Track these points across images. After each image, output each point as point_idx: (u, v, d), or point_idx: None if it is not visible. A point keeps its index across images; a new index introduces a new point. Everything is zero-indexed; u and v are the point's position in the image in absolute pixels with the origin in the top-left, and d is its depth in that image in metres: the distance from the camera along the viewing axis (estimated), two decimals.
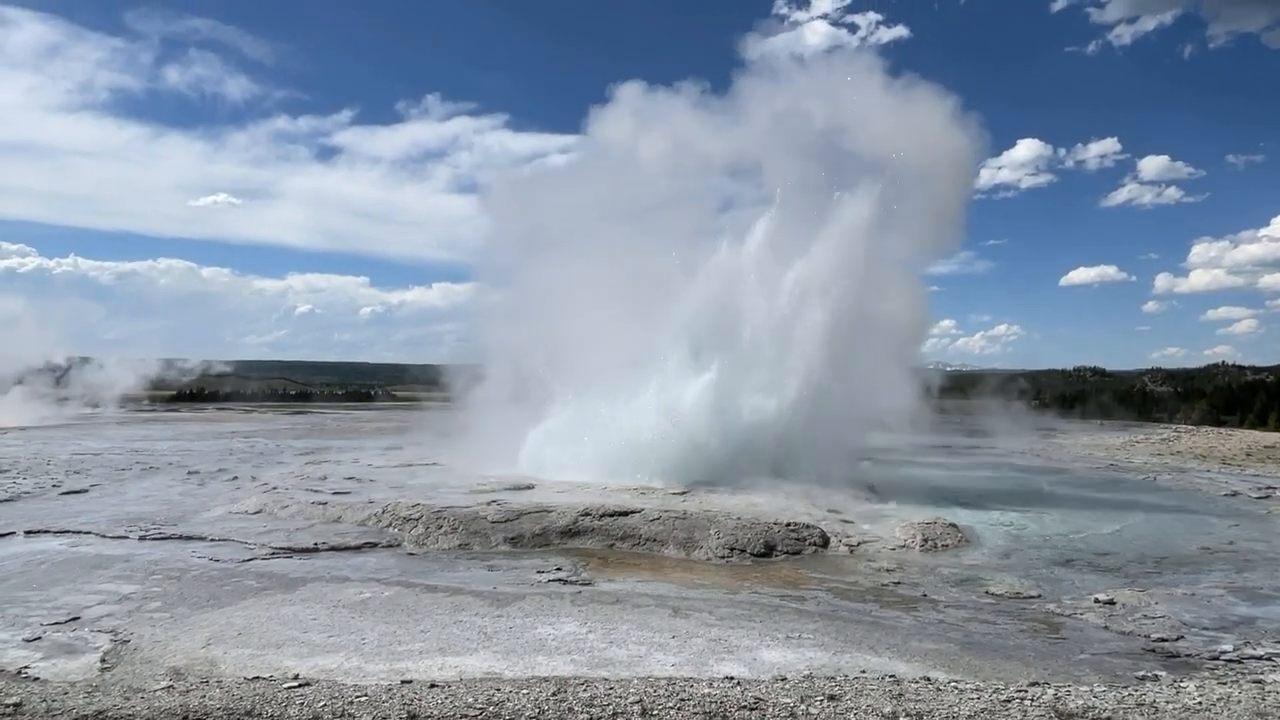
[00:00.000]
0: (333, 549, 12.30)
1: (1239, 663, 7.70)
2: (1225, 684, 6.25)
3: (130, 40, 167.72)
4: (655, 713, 5.34)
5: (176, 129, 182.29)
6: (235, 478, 20.40)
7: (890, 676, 6.56)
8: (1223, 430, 43.56)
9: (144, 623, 8.53)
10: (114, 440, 31.82)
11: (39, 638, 8.03)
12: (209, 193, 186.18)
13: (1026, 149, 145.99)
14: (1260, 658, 7.84)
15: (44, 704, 5.60)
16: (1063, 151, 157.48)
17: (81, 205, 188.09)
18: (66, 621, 8.54)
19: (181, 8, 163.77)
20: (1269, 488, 20.49)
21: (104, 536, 12.95)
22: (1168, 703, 5.59)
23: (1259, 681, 6.33)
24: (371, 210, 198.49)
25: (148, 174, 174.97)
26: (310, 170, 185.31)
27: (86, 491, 17.80)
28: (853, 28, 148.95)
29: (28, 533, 13.13)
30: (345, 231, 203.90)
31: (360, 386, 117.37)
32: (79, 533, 13.19)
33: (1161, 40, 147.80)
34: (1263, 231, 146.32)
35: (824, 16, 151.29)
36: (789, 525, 13.14)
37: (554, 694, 5.67)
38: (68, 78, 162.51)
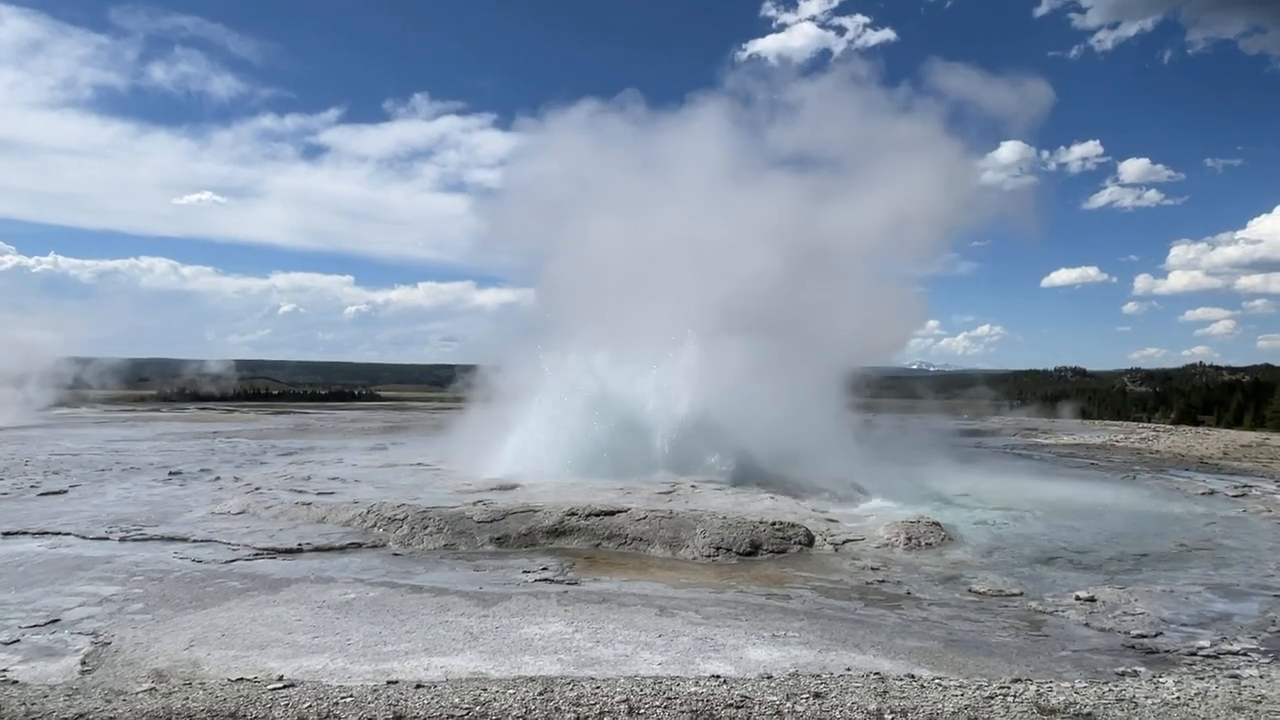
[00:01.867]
0: (317, 550, 12.21)
1: (1216, 658, 7.84)
2: (1203, 679, 6.34)
3: (115, 37, 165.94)
4: (642, 712, 5.35)
5: (161, 127, 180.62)
6: (218, 478, 20.20)
7: (875, 674, 6.61)
8: (1200, 430, 44.26)
9: (125, 625, 8.44)
10: (93, 440, 31.40)
11: (17, 640, 7.93)
12: (193, 191, 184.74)
13: (1010, 151, 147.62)
14: (1237, 653, 7.98)
15: (23, 707, 5.53)
16: (1045, 154, 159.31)
17: (63, 203, 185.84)
18: (46, 624, 8.44)
19: (167, 5, 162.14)
20: (1245, 486, 20.81)
21: (84, 538, 12.79)
22: (1147, 698, 5.67)
23: (1235, 677, 6.44)
24: (357, 209, 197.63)
25: (131, 172, 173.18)
26: (296, 169, 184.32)
27: (66, 492, 17.55)
28: (840, 30, 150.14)
29: (5, 534, 12.94)
30: (330, 230, 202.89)
31: (344, 386, 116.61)
32: (58, 534, 13.01)
33: (1142, 45, 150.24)
34: (1240, 234, 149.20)
35: (812, 19, 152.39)
36: (774, 524, 13.19)
37: (540, 693, 5.66)
38: (50, 74, 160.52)
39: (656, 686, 5.85)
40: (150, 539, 12.81)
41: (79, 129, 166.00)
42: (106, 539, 12.76)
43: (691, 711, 5.36)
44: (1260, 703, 5.57)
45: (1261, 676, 6.40)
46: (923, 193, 25.31)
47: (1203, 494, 19.67)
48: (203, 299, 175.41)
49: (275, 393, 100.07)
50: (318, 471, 20.74)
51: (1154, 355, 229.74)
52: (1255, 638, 8.56)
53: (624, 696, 5.58)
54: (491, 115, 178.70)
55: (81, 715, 5.39)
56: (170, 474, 20.99)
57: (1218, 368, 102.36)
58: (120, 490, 18.03)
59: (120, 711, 5.44)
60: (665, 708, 5.40)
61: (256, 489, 17.31)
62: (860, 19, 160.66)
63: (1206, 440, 34.39)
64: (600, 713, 5.34)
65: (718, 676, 6.37)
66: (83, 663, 7.33)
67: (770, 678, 6.32)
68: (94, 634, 8.11)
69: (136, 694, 5.94)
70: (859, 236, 25.84)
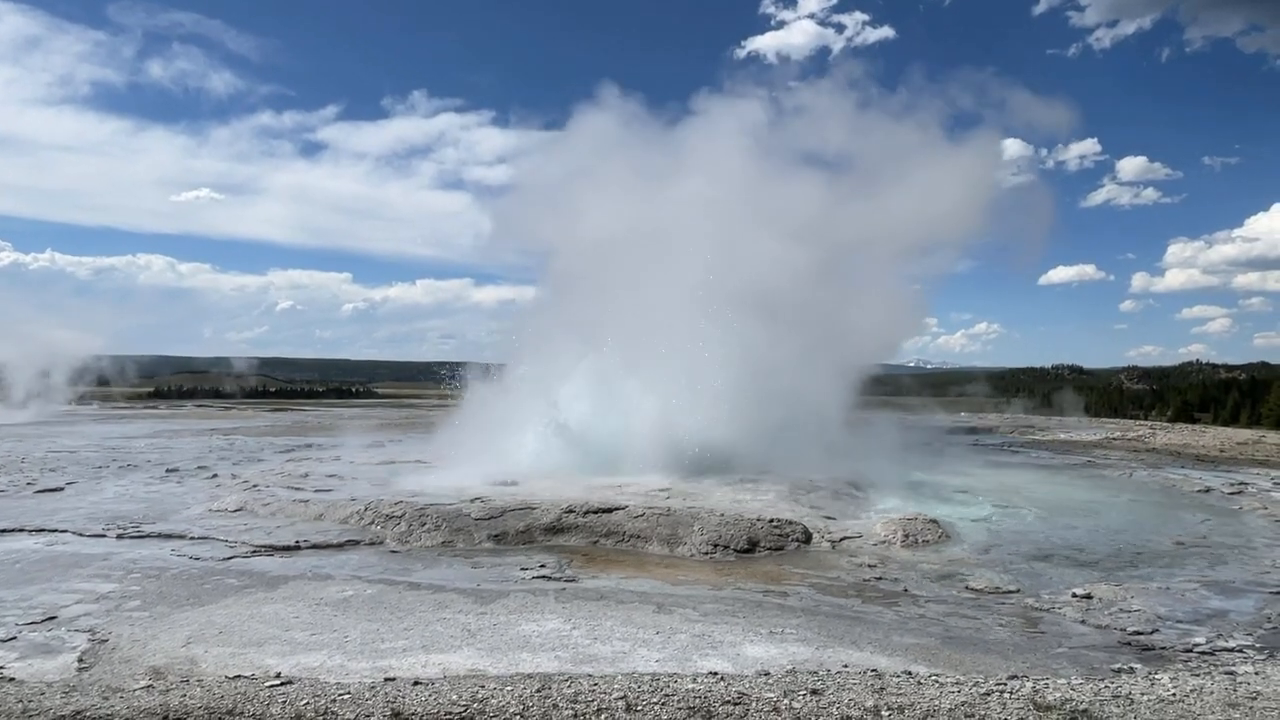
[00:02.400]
0: (315, 547, 12.21)
1: (1212, 655, 7.85)
2: (1198, 676, 6.36)
3: (112, 33, 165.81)
4: (640, 708, 5.36)
5: (158, 123, 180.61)
6: (215, 475, 20.17)
7: (872, 671, 6.62)
8: (1196, 427, 44.38)
9: (122, 622, 8.43)
10: (90, 437, 31.36)
11: (14, 638, 7.91)
12: (191, 188, 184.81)
13: (1009, 148, 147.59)
14: (1232, 650, 8.00)
15: (20, 704, 5.52)
16: (1044, 152, 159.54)
17: (60, 200, 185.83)
18: (43, 621, 8.43)
19: (165, 1, 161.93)
20: (1241, 483, 20.86)
21: (81, 535, 12.78)
22: (1143, 694, 5.69)
23: (1231, 673, 6.46)
24: (355, 206, 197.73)
25: (128, 169, 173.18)
26: (294, 166, 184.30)
27: (62, 489, 17.53)
28: (839, 28, 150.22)
29: (2, 531, 12.93)
30: (328, 228, 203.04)
31: (342, 383, 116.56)
32: (55, 531, 13.00)
33: (1140, 44, 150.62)
34: (1236, 232, 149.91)
35: (810, 16, 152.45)
36: (772, 521, 13.20)
37: (538, 690, 5.67)
38: (48, 70, 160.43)
39: (654, 683, 5.86)
40: (147, 536, 12.79)
41: (76, 125, 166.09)
42: (103, 536, 12.74)
43: (689, 708, 5.36)
44: (1255, 699, 5.60)
45: (1257, 673, 6.42)
46: (926, 192, 25.31)
47: (1199, 491, 19.71)
48: (200, 296, 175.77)
49: (273, 390, 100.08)
50: (315, 469, 20.73)
51: (1151, 353, 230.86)
52: (1251, 634, 8.58)
53: (622, 693, 5.59)
54: (490, 112, 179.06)
55: (79, 712, 5.39)
56: (167, 471, 20.97)
57: (1214, 365, 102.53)
58: (117, 487, 18.00)
59: (118, 709, 5.44)
60: (663, 705, 5.41)
61: (254, 486, 17.30)
62: (859, 16, 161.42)
63: (1203, 437, 34.49)
64: (598, 710, 5.34)
65: (715, 673, 6.38)
66: (80, 660, 7.32)
67: (768, 674, 6.33)
68: (91, 631, 8.11)
69: (134, 691, 5.94)
70: (862, 233, 25.86)
